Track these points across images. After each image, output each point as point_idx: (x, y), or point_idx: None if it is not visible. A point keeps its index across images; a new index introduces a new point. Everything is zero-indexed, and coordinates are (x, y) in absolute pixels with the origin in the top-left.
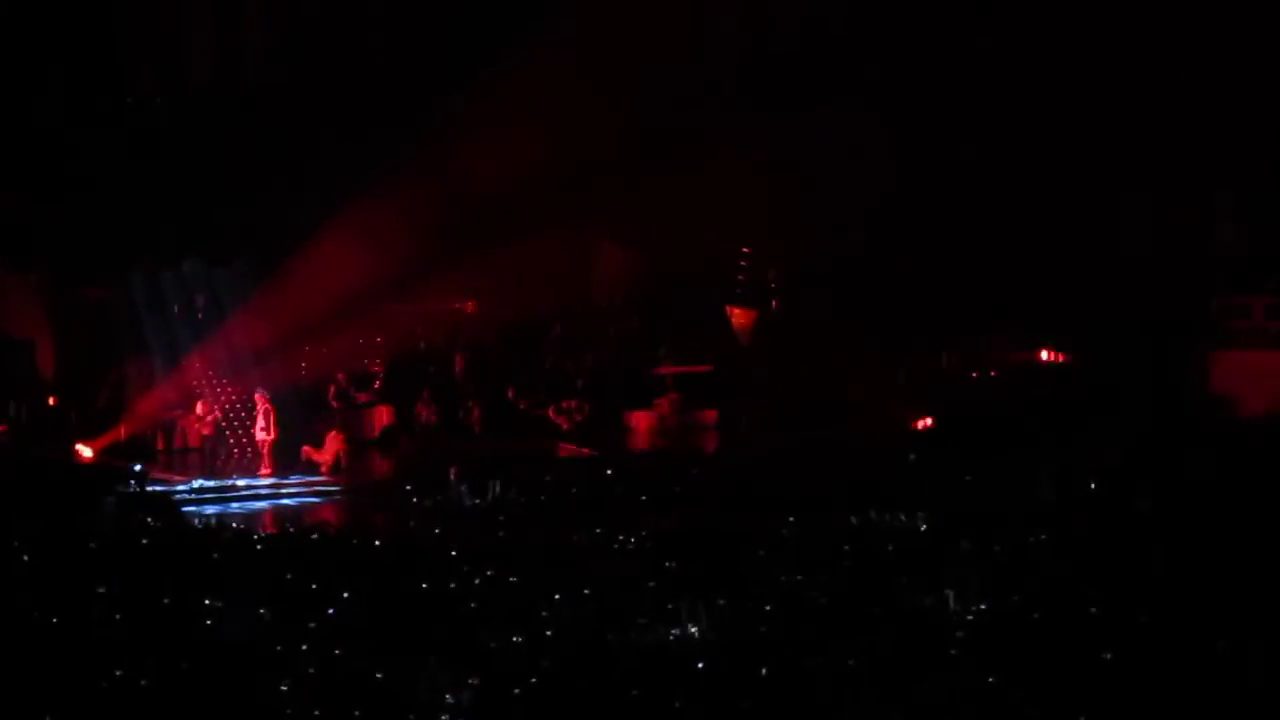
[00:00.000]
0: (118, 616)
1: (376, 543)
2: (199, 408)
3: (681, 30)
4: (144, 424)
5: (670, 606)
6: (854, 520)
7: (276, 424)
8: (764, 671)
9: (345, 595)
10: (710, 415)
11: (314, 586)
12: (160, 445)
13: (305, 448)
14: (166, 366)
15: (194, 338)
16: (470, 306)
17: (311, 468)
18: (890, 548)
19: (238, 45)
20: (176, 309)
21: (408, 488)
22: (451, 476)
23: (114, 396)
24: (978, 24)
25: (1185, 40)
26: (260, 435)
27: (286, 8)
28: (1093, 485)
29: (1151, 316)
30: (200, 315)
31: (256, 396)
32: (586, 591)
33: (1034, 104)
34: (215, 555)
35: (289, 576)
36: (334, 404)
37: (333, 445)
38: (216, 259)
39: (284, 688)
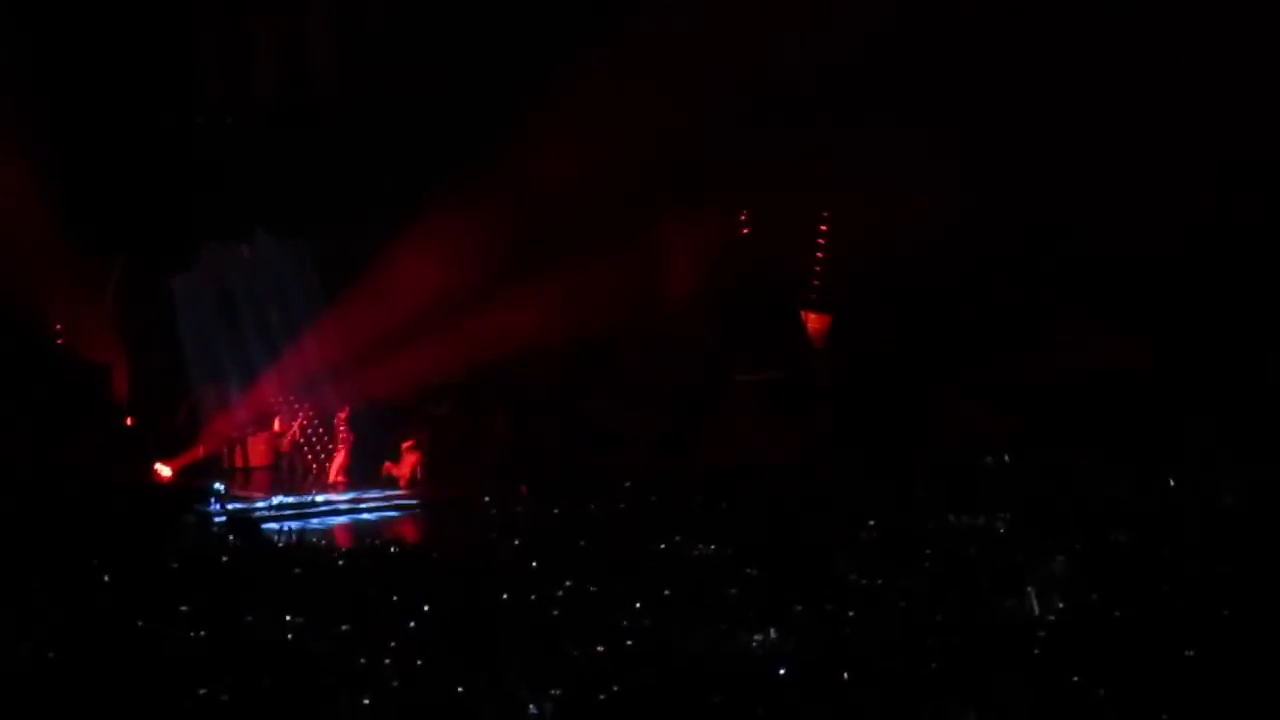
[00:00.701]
0: (201, 634)
1: (455, 556)
2: (276, 424)
3: (750, 30)
4: (222, 442)
5: (750, 614)
6: (933, 524)
7: (349, 441)
8: (845, 676)
9: (425, 609)
10: (789, 422)
11: (395, 601)
12: (239, 463)
13: (386, 464)
14: (242, 384)
15: (268, 355)
16: (544, 319)
17: (391, 483)
18: (972, 550)
19: (303, 59)
20: (250, 326)
21: (486, 500)
22: (523, 492)
23: (191, 416)
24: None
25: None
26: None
27: (346, 20)
28: (1173, 484)
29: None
30: (274, 333)
31: (337, 418)
32: (666, 600)
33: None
34: (296, 571)
35: (369, 591)
36: (411, 420)
37: (409, 459)
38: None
39: (366, 702)
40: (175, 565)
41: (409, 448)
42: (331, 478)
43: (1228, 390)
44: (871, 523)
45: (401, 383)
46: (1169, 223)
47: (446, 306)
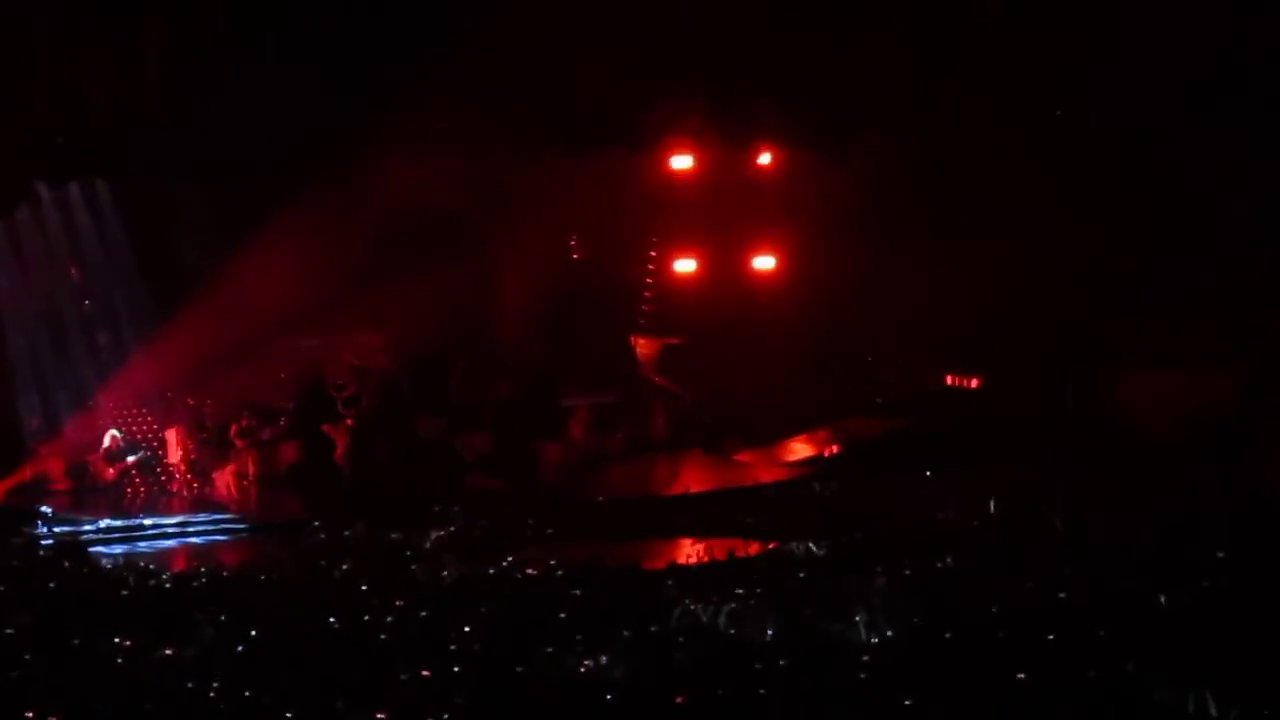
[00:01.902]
0: (26, 658)
1: (286, 580)
2: (106, 441)
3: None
4: (49, 463)
5: (579, 637)
6: (766, 549)
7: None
8: (678, 701)
9: (254, 634)
10: (618, 444)
11: (223, 624)
12: (67, 484)
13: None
14: (72, 405)
15: (98, 374)
16: (376, 338)
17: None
18: (801, 575)
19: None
20: (79, 347)
21: (315, 524)
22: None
23: (16, 435)
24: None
25: None
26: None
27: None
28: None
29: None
30: (103, 353)
31: (169, 434)
32: (496, 624)
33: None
34: (124, 594)
35: (198, 616)
36: (238, 441)
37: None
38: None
39: None
40: (0, 588)
41: (221, 467)
42: (170, 485)
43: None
44: (700, 547)
45: (230, 399)
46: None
47: (279, 326)
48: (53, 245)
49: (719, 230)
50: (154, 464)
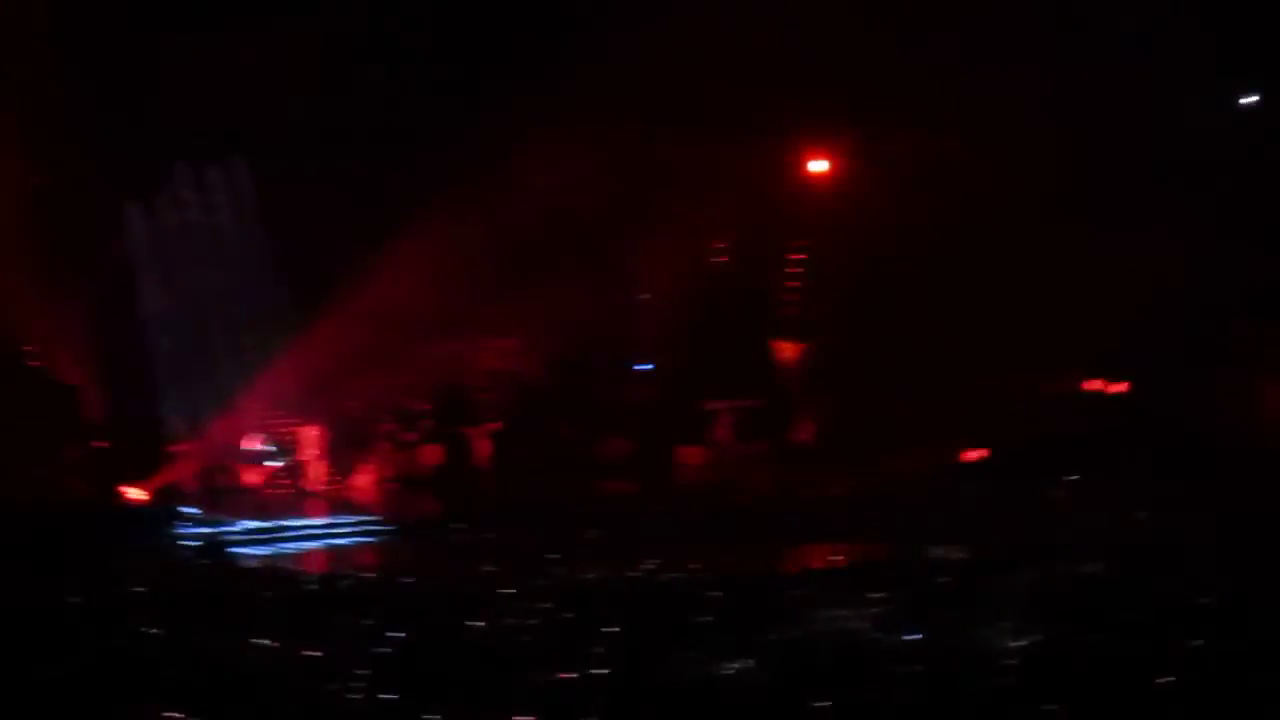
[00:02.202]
0: (169, 658)
1: (427, 582)
2: (250, 443)
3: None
4: (195, 465)
5: (720, 642)
6: (903, 554)
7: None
8: (818, 706)
9: (395, 636)
10: (760, 449)
11: (364, 626)
12: (212, 485)
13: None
14: (215, 407)
15: (241, 376)
16: (516, 342)
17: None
18: (941, 580)
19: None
20: (223, 349)
21: (457, 527)
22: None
23: (160, 436)
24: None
25: None
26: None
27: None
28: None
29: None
30: (246, 355)
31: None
32: (636, 628)
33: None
34: (267, 595)
35: (339, 617)
36: (379, 444)
37: (367, 478)
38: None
39: None
40: (144, 589)
41: (362, 469)
42: (317, 486)
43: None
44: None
45: (370, 402)
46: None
47: (420, 326)
48: (194, 241)
49: (860, 232)
50: (297, 466)
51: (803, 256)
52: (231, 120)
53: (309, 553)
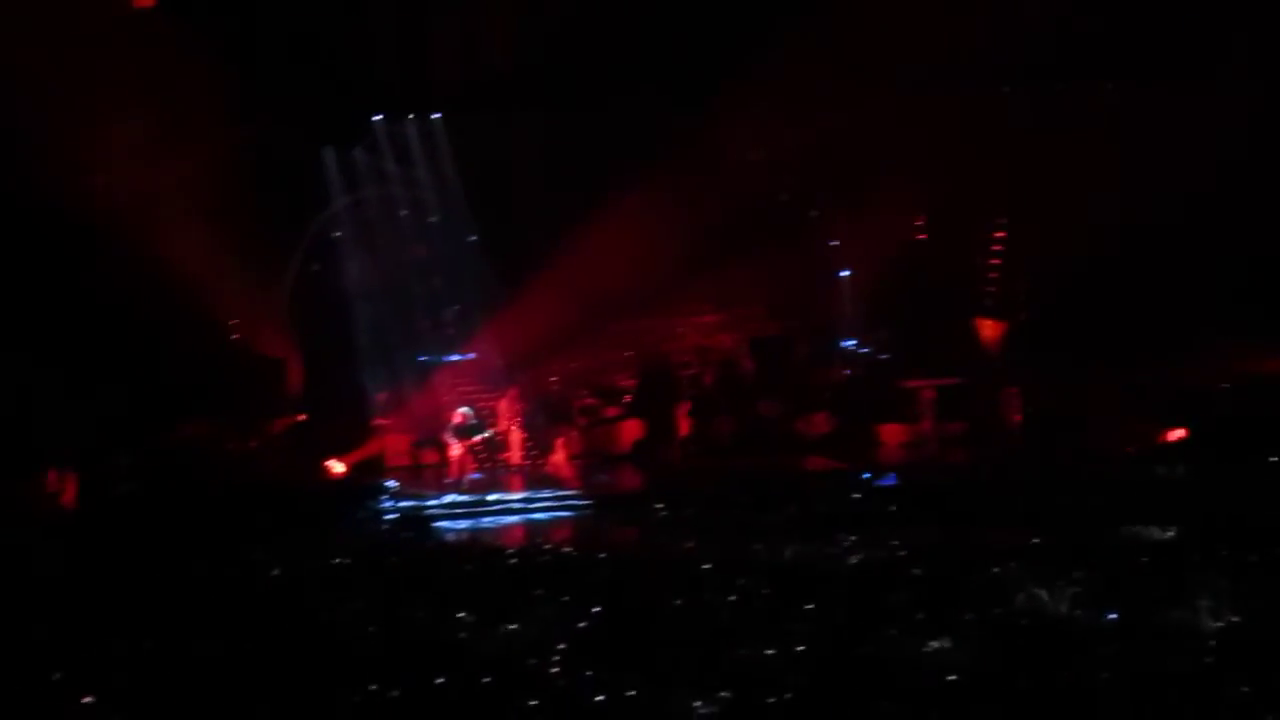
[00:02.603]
0: (371, 631)
1: (626, 557)
2: (456, 418)
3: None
4: (398, 438)
5: (921, 619)
6: (1105, 534)
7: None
8: (1017, 686)
9: (596, 610)
10: (960, 428)
11: (564, 601)
12: (411, 461)
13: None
14: (417, 381)
15: (443, 351)
16: (720, 318)
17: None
18: (1143, 560)
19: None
20: (426, 323)
21: (658, 502)
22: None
23: (363, 411)
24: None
25: None
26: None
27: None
28: None
29: None
30: (449, 330)
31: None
32: (837, 605)
33: None
34: (467, 569)
35: (540, 592)
36: (581, 419)
37: (560, 454)
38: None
39: (534, 703)
40: (346, 561)
41: (561, 444)
42: (515, 459)
43: None
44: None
45: (571, 377)
46: None
47: (624, 305)
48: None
49: (1063, 208)
50: (500, 441)
51: (1002, 235)
52: (440, 88)
53: (509, 527)
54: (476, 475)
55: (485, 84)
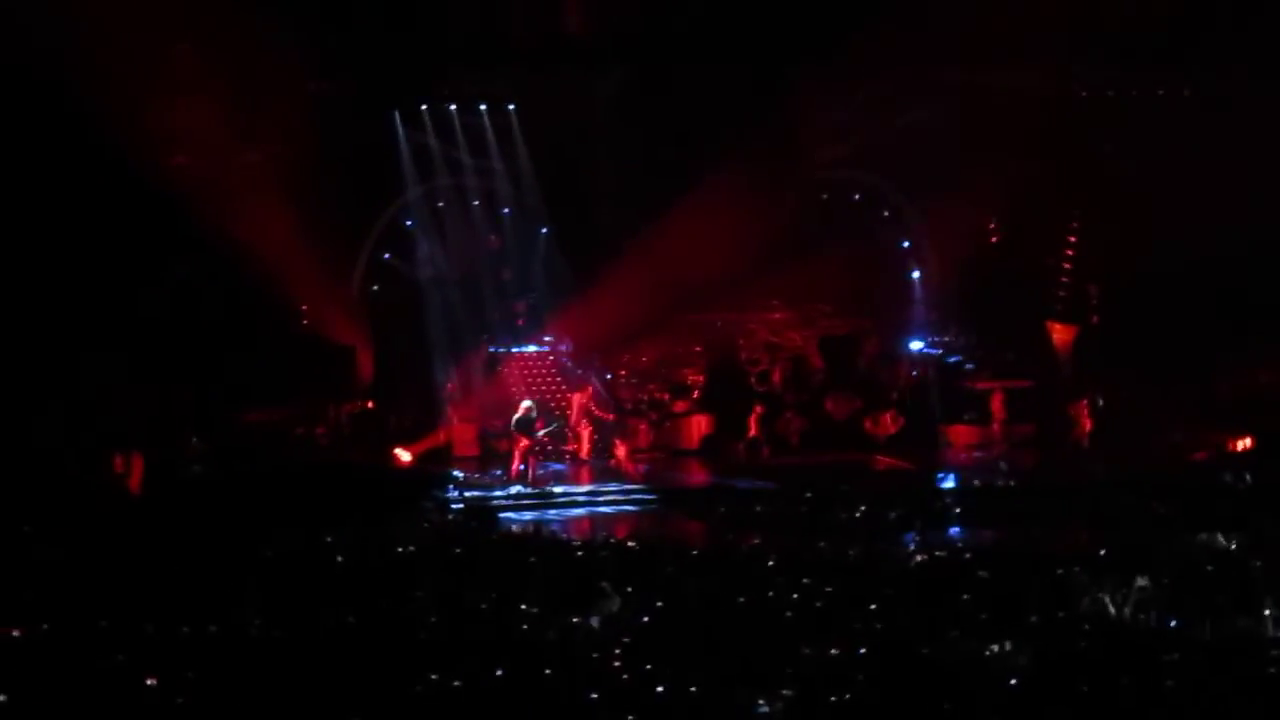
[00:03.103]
0: (433, 620)
1: (693, 552)
2: (520, 410)
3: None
4: (462, 428)
5: (984, 620)
6: (1170, 540)
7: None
8: (1082, 690)
9: (659, 605)
10: (1029, 430)
11: (628, 594)
12: (480, 450)
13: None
14: (486, 372)
15: (513, 342)
16: (791, 316)
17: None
18: (1210, 569)
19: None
20: (496, 315)
21: (722, 499)
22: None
23: (432, 401)
24: None
25: None
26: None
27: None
28: None
29: None
30: (519, 321)
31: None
32: (901, 604)
33: None
34: (532, 561)
35: (604, 584)
36: (651, 413)
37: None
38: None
39: (595, 696)
40: (410, 550)
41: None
42: (584, 453)
43: None
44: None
45: (641, 370)
46: None
47: (694, 300)
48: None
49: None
50: (565, 433)
51: (1075, 239)
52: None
53: (575, 519)
54: (541, 469)
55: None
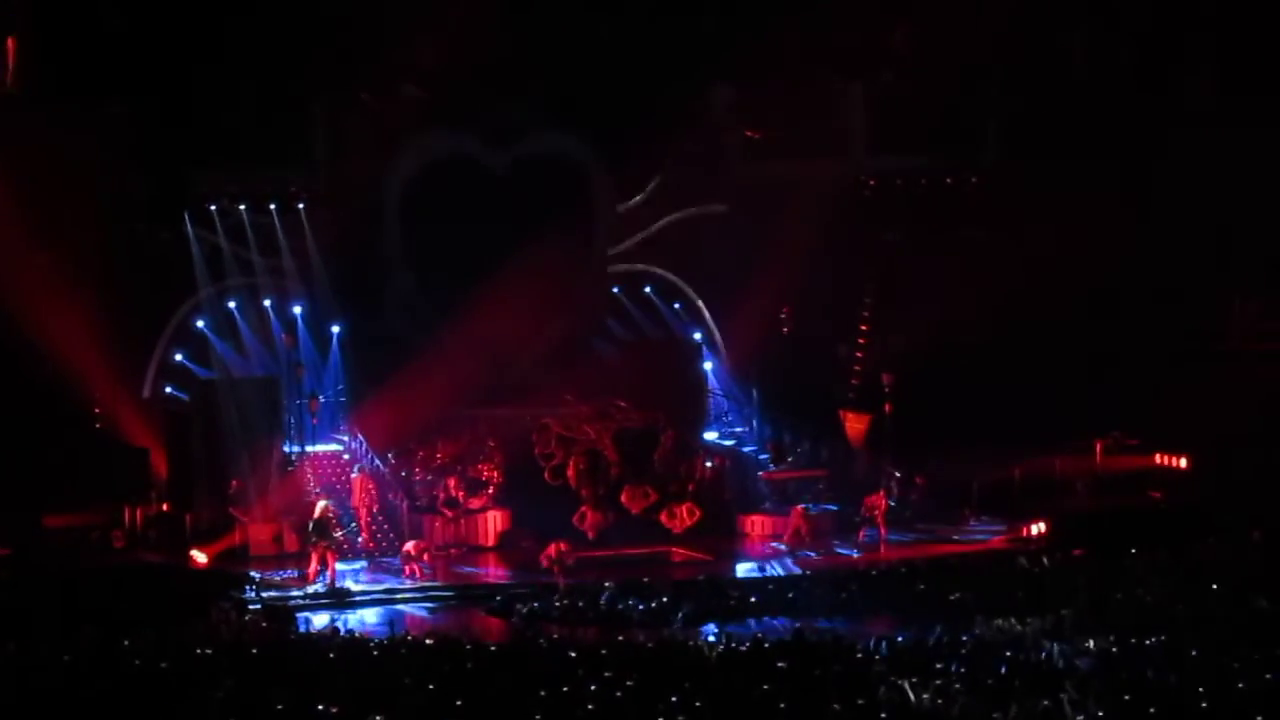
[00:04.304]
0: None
1: (492, 648)
2: (316, 511)
3: None
4: (256, 528)
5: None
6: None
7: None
8: None
9: (459, 702)
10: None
11: (430, 691)
12: (274, 550)
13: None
14: (280, 473)
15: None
16: (585, 410)
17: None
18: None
19: None
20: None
21: (521, 593)
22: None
23: (224, 499)
24: None
25: None
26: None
27: None
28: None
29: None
30: (315, 420)
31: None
32: (701, 695)
33: None
34: (331, 659)
35: (406, 682)
36: (444, 510)
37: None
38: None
39: None
40: (208, 652)
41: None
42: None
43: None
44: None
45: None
46: None
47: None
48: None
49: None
50: (358, 534)
51: (866, 329)
52: None
53: (372, 618)
54: (340, 568)
55: None
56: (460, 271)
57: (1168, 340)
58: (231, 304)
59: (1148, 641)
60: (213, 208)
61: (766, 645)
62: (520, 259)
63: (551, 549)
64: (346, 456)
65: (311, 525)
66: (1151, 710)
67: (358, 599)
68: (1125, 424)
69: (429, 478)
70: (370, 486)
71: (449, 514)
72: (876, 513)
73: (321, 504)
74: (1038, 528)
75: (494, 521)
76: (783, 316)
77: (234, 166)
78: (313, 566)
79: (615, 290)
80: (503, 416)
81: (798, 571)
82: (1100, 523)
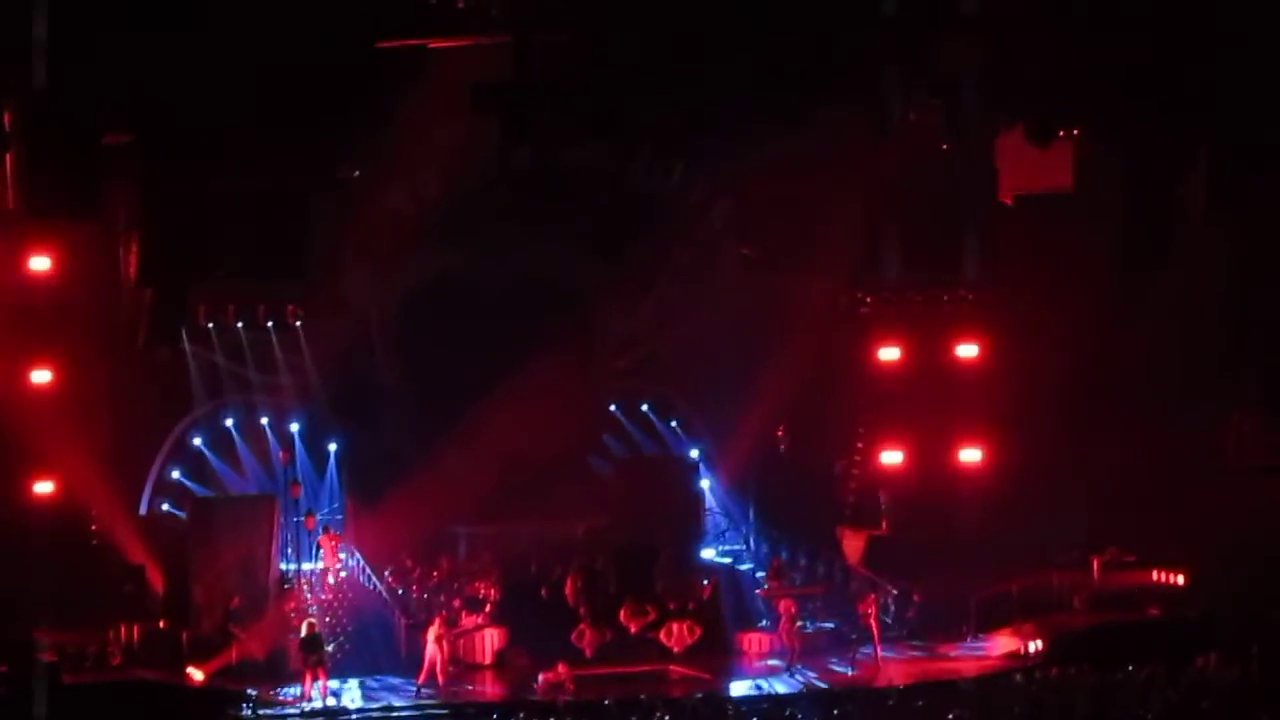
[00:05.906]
0: None
1: None
2: (304, 629)
3: None
4: (252, 644)
5: None
6: None
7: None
8: None
9: None
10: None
11: None
12: (270, 666)
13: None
14: (278, 591)
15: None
16: (582, 528)
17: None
18: None
19: None
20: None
21: (521, 714)
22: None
23: (225, 618)
24: None
25: None
26: None
27: None
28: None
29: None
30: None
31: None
32: None
33: None
34: None
35: None
36: (442, 629)
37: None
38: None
39: None
40: None
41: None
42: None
43: None
44: None
45: (434, 588)
46: None
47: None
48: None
49: (924, 421)
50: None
51: (861, 445)
52: None
53: None
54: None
55: None
56: (456, 388)
57: (1166, 455)
58: (229, 421)
59: None
60: (209, 325)
61: None
62: (517, 376)
63: (553, 675)
64: (344, 574)
65: (301, 641)
66: None
67: (354, 716)
68: (1122, 540)
69: (425, 595)
70: (334, 544)
71: (444, 632)
72: (870, 619)
73: (309, 620)
74: (1035, 644)
75: (491, 639)
76: (779, 434)
77: (232, 284)
78: (307, 685)
79: (612, 408)
80: (500, 532)
81: (796, 690)
82: (1098, 638)
